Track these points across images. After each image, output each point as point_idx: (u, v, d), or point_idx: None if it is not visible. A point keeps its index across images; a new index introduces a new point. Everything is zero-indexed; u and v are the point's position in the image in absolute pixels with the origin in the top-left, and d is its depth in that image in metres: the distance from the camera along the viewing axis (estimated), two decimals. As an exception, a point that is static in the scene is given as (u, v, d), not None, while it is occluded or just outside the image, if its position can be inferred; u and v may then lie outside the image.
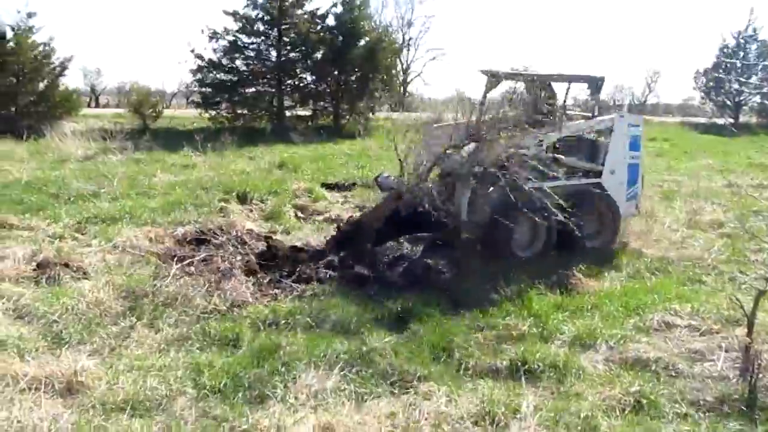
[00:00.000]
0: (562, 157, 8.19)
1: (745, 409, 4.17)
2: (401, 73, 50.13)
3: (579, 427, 3.85)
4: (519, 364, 4.74)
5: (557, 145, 8.39)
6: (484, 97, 8.82)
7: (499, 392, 4.29)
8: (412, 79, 53.38)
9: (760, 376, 4.61)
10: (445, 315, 5.76)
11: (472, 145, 7.60)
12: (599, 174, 8.36)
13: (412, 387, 4.40)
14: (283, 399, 4.19)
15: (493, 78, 8.82)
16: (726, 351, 5.03)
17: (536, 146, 7.77)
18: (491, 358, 4.91)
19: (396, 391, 4.37)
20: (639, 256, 7.92)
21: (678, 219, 10.02)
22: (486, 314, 5.81)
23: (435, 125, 8.59)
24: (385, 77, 26.42)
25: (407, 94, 50.93)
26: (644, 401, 4.19)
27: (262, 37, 24.08)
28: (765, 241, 5.19)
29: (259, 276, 6.69)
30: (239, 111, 24.04)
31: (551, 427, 3.88)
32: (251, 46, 24.17)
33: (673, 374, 4.75)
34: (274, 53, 24.27)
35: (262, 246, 7.51)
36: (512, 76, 9.04)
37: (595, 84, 9.04)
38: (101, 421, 3.84)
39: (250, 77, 24.19)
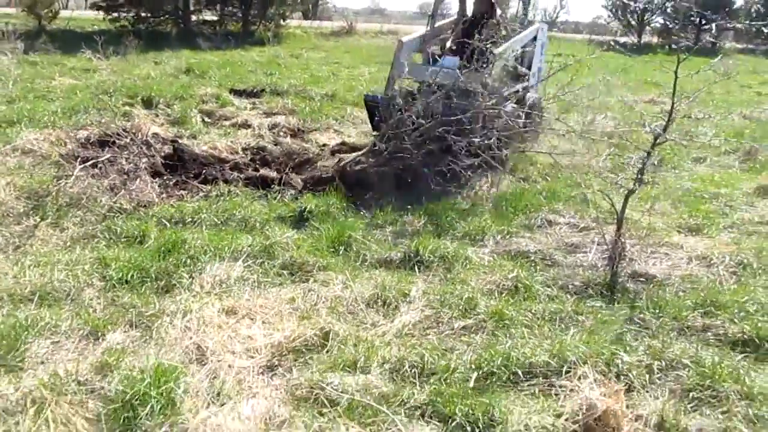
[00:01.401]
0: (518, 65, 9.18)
1: (606, 291, 4.72)
2: (314, -21, 48.67)
3: (461, 307, 4.29)
4: (412, 255, 5.13)
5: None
6: (435, 9, 9.46)
7: (392, 279, 4.68)
8: (325, -13, 51.94)
9: (623, 264, 5.23)
10: (347, 214, 6.08)
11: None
12: (527, 77, 9.36)
13: (312, 276, 4.73)
14: (188, 288, 4.43)
15: None
16: (598, 244, 5.57)
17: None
18: (387, 251, 5.29)
19: (297, 280, 4.69)
20: (533, 162, 8.42)
21: (572, 130, 10.58)
22: (386, 213, 6.16)
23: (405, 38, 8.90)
24: (295, -17, 25.68)
25: (320, 1, 49.75)
26: (520, 285, 4.67)
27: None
28: (642, 149, 5.68)
29: (165, 178, 6.79)
30: (142, 14, 22.90)
31: (436, 307, 4.30)
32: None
33: (549, 263, 5.28)
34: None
35: (168, 149, 7.55)
36: None
37: None
38: (11, 311, 3.98)
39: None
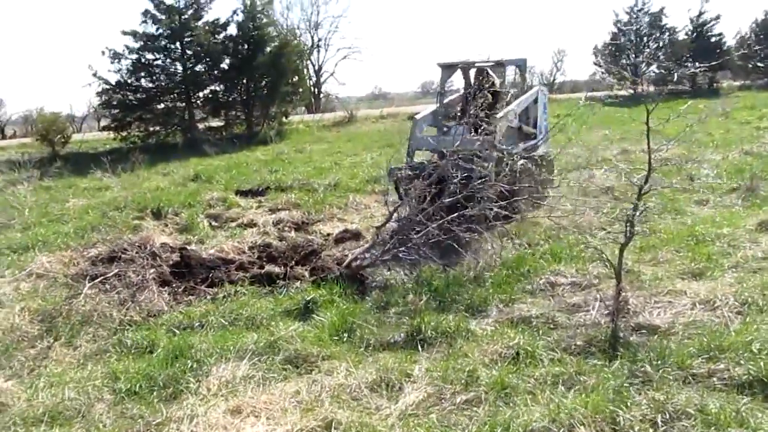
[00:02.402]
0: (523, 125, 10.40)
1: (608, 348, 4.73)
2: (313, 74, 50.40)
3: (463, 381, 4.31)
4: (414, 334, 5.19)
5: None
6: (442, 87, 10.99)
7: (395, 361, 4.72)
8: (325, 80, 53.65)
9: (626, 317, 5.24)
10: (350, 300, 6.18)
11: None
12: (534, 135, 10.40)
13: (316, 366, 4.80)
14: (196, 392, 4.51)
15: (448, 69, 10.96)
16: (600, 301, 5.59)
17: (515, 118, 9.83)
18: (390, 332, 5.35)
19: (301, 372, 4.76)
20: (534, 225, 8.51)
21: (572, 189, 10.72)
22: (388, 294, 6.25)
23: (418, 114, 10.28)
24: (294, 80, 26.63)
25: (322, 94, 51.31)
26: (522, 352, 4.69)
27: (166, 52, 23.87)
28: (632, 202, 5.76)
29: (173, 285, 6.97)
30: (151, 128, 23.82)
31: (438, 384, 4.33)
32: (156, 63, 23.94)
33: (552, 326, 5.30)
34: (180, 67, 24.12)
35: (175, 257, 7.76)
36: (463, 65, 10.85)
37: (523, 65, 11.29)
38: (22, 435, 4.08)
39: (159, 94, 24.00)
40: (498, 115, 9.29)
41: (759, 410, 3.66)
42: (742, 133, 17.00)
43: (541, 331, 5.18)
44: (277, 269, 7.27)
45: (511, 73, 11.56)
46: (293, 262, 7.57)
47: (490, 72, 10.61)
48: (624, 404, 3.79)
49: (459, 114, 10.33)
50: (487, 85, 10.26)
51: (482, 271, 6.77)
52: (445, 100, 10.71)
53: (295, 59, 26.55)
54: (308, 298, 6.16)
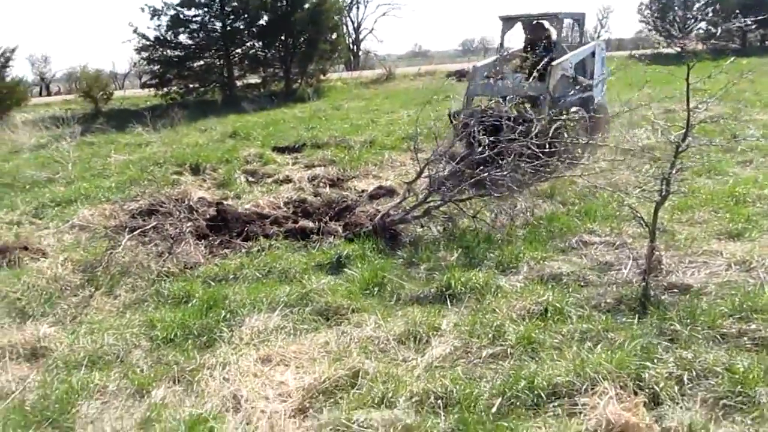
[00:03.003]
0: (579, 76, 10.70)
1: (638, 306, 4.70)
2: (352, 31, 50.02)
3: (489, 335, 4.35)
4: (444, 289, 5.23)
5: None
6: (502, 39, 11.52)
7: (424, 315, 4.77)
8: (364, 37, 53.24)
9: (659, 277, 5.20)
10: (382, 255, 6.23)
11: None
12: (591, 87, 10.77)
13: (346, 319, 4.88)
14: (228, 341, 4.64)
15: (508, 22, 11.54)
16: (633, 260, 5.55)
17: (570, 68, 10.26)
18: (420, 287, 5.40)
19: (331, 324, 4.85)
20: (570, 183, 8.42)
21: (611, 148, 10.53)
22: (419, 250, 6.29)
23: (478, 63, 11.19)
24: (332, 38, 26.48)
25: (360, 52, 50.96)
26: (551, 308, 4.69)
27: (205, 9, 23.92)
28: (670, 159, 5.65)
29: (210, 239, 7.11)
30: (190, 85, 24.04)
31: (465, 338, 4.37)
32: (194, 19, 24.02)
33: (582, 284, 5.28)
34: (218, 24, 24.17)
35: (212, 211, 7.90)
36: (524, 18, 11.50)
37: (582, 19, 11.99)
38: (64, 377, 4.26)
39: (197, 50, 24.13)
40: (554, 63, 9.73)
41: (789, 371, 3.62)
42: (793, 89, 16.40)
43: (571, 289, 5.16)
44: (311, 224, 7.35)
45: (568, 27, 12.07)
46: (327, 218, 7.64)
47: (548, 25, 11.25)
48: (650, 361, 3.79)
49: (519, 66, 10.92)
50: (544, 38, 11.21)
51: (515, 229, 6.76)
52: (506, 53, 11.31)
53: (333, 16, 26.37)
54: (340, 253, 6.24)
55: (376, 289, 5.43)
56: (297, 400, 3.74)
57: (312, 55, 25.05)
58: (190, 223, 7.32)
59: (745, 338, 4.10)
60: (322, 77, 26.62)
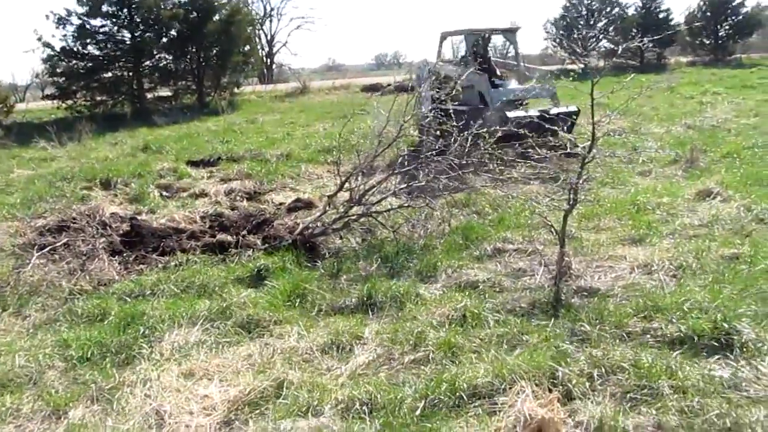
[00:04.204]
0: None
1: (551, 309, 4.93)
2: (265, 44, 49.70)
3: (411, 342, 4.46)
4: (365, 299, 5.32)
5: None
6: (439, 53, 13.23)
7: (346, 324, 4.84)
8: (278, 50, 52.99)
9: (569, 281, 5.46)
10: (302, 268, 6.26)
11: None
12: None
13: (268, 331, 4.88)
14: (148, 357, 4.55)
15: (447, 36, 13.27)
16: (545, 266, 5.80)
17: None
18: (341, 298, 5.46)
19: (254, 337, 4.84)
20: (483, 194, 8.69)
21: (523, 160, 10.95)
22: (340, 262, 6.36)
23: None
24: (245, 50, 26.24)
25: (274, 65, 50.67)
26: (468, 314, 4.85)
27: (113, 19, 23.19)
28: (577, 170, 5.95)
29: (125, 255, 6.92)
30: (98, 98, 23.21)
31: (387, 345, 4.47)
32: (102, 30, 23.25)
33: (498, 290, 5.48)
34: (127, 34, 23.48)
35: (126, 227, 7.70)
36: (462, 32, 13.03)
37: (515, 33, 13.78)
38: (-28, 402, 4.06)
39: (106, 62, 23.35)
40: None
41: (688, 364, 3.90)
42: (686, 108, 17.51)
43: (487, 295, 5.36)
44: (229, 238, 7.28)
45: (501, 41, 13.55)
46: (245, 231, 7.57)
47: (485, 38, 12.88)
48: (564, 360, 3.99)
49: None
50: (480, 52, 12.60)
51: (433, 239, 6.93)
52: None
53: (246, 28, 26.13)
54: (260, 266, 6.22)
55: (297, 300, 5.46)
56: (222, 412, 3.72)
57: (225, 68, 24.70)
58: (103, 239, 7.12)
59: (649, 336, 4.38)
60: (235, 90, 26.29)
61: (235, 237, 7.29)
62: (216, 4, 24.61)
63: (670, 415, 3.42)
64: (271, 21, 51.95)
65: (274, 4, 52.82)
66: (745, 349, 4.06)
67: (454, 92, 9.76)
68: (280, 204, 9.02)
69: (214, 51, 24.66)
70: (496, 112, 10.90)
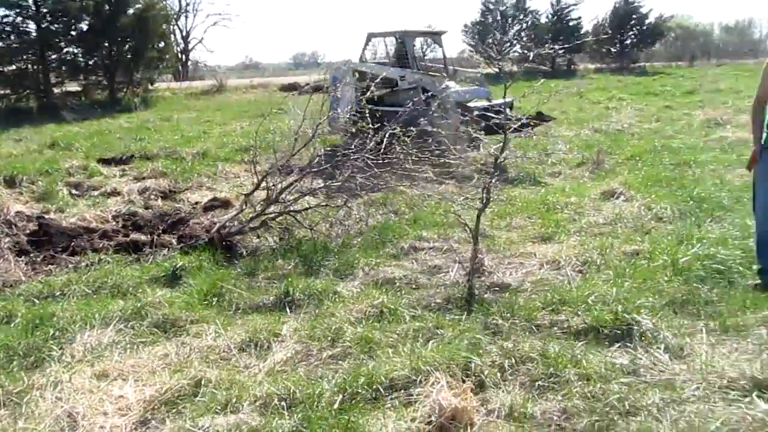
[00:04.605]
0: None
1: (465, 304, 5.10)
2: (181, 40, 48.59)
3: (329, 338, 4.52)
4: (283, 297, 5.34)
5: None
6: (363, 53, 13.36)
7: (264, 322, 4.85)
8: (194, 47, 51.92)
9: (482, 278, 5.66)
10: (219, 267, 6.21)
11: None
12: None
13: (185, 330, 4.83)
14: (59, 359, 4.41)
15: (373, 37, 13.45)
16: (459, 263, 5.98)
17: None
18: (259, 296, 5.46)
19: (170, 336, 4.78)
20: (401, 194, 8.84)
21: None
22: (257, 260, 6.35)
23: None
24: (160, 46, 25.61)
25: (190, 62, 49.60)
26: (386, 310, 4.95)
27: (16, 9, 22.14)
28: (488, 171, 6.16)
29: (31, 255, 6.68)
30: (1, 91, 22.14)
31: (306, 341, 4.51)
32: (5, 20, 22.18)
33: (414, 287, 5.61)
34: (32, 26, 22.48)
35: (33, 226, 7.43)
36: (389, 34, 13.62)
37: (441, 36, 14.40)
38: None
39: (9, 54, 22.27)
40: None
41: (591, 353, 4.12)
42: (593, 112, 18.32)
43: (404, 291, 5.48)
44: (143, 237, 7.14)
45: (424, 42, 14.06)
46: (160, 230, 7.45)
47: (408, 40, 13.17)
48: (476, 352, 4.14)
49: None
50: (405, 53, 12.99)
51: (351, 237, 7.01)
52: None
53: (161, 23, 25.49)
54: (176, 265, 6.13)
55: (214, 299, 5.42)
56: (138, 412, 3.67)
57: (138, 64, 24.04)
58: (8, 239, 6.86)
59: (556, 327, 4.60)
60: (149, 87, 25.63)
61: (149, 236, 7.16)
62: (128, -2, 23.93)
63: (574, 400, 3.62)
64: (186, 16, 50.92)
65: (189, 0, 51.31)
66: (643, 338, 4.32)
67: (389, 93, 9.91)
68: (196, 203, 8.90)
69: (128, 46, 23.94)
70: (452, 109, 11.23)
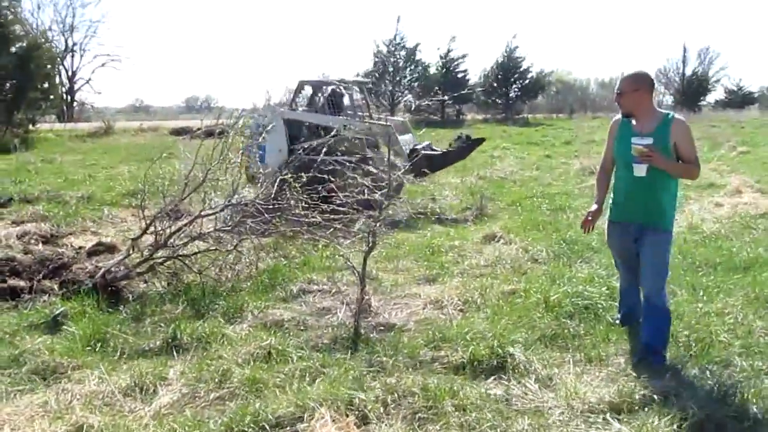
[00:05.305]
0: None
1: (351, 344, 5.27)
2: (66, 80, 46.95)
3: (216, 380, 4.56)
4: (170, 341, 5.32)
5: None
6: (293, 100, 13.78)
7: (150, 366, 4.81)
8: (80, 87, 50.25)
9: (368, 318, 5.86)
10: (104, 312, 6.09)
11: None
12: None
13: (66, 376, 4.72)
14: (-77, 414, 4.22)
15: (304, 85, 13.80)
16: (347, 304, 6.15)
17: None
18: (145, 340, 5.41)
19: (50, 383, 4.65)
20: (291, 238, 8.94)
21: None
22: (144, 305, 6.28)
23: None
24: (44, 86, 24.72)
25: (75, 102, 47.93)
26: (273, 351, 5.04)
27: None
28: (374, 216, 6.41)
29: None
30: None
31: (192, 384, 4.53)
32: None
33: (302, 328, 5.73)
34: None
35: None
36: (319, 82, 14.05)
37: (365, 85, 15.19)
38: None
39: None
40: None
41: (468, 385, 4.39)
42: (479, 160, 19.21)
43: (292, 333, 5.59)
44: (21, 283, 6.86)
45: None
46: (41, 276, 7.19)
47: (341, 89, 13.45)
48: (361, 388, 4.31)
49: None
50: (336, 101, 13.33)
51: (240, 281, 7.06)
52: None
53: (46, 64, 24.64)
54: (57, 311, 5.96)
55: (98, 345, 5.31)
56: (14, 461, 3.58)
57: (19, 104, 23.05)
58: None
59: (437, 363, 4.86)
60: (30, 127, 24.57)
61: (28, 282, 6.91)
62: (11, 36, 23.02)
63: (452, 430, 3.85)
64: (73, 56, 49.20)
65: (77, 39, 49.76)
66: (516, 370, 4.64)
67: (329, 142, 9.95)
68: (80, 248, 8.63)
69: (8, 85, 22.95)
70: (403, 157, 11.59)
